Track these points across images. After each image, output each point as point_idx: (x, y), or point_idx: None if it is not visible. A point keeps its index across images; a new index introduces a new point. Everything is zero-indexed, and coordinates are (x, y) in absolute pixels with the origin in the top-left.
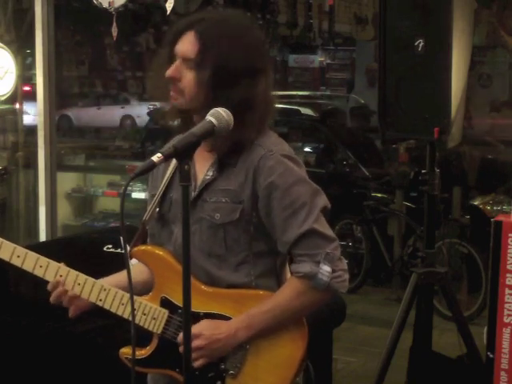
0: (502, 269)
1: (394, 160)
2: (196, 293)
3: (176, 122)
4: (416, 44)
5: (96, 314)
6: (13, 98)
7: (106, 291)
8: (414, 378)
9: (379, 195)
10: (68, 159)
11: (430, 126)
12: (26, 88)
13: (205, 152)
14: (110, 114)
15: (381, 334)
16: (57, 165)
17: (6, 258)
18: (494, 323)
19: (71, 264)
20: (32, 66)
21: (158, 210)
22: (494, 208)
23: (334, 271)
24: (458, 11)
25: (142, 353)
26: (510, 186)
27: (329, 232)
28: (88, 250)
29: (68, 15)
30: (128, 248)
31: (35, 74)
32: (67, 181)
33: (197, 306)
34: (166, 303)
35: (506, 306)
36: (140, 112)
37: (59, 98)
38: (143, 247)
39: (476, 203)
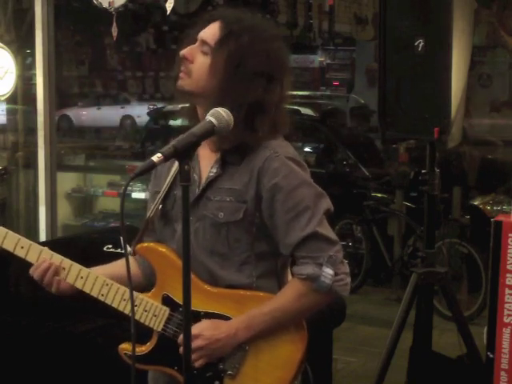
0: (502, 269)
1: (393, 160)
2: (197, 291)
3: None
4: (416, 44)
5: (96, 313)
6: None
7: (108, 286)
8: (413, 378)
9: (379, 195)
10: (68, 159)
11: (430, 126)
12: None
13: (211, 151)
14: (110, 114)
15: (381, 333)
16: (57, 165)
17: (10, 248)
18: (494, 323)
19: None
20: (32, 65)
21: (161, 206)
22: (494, 208)
23: (336, 274)
24: (458, 11)
25: (141, 349)
26: (510, 185)
27: (332, 235)
28: (88, 250)
29: (68, 15)
30: (128, 248)
31: (35, 74)
32: (67, 181)
33: (197, 305)
34: (167, 301)
35: (506, 306)
36: (140, 112)
37: (59, 98)
38: (146, 244)
39: (476, 203)
